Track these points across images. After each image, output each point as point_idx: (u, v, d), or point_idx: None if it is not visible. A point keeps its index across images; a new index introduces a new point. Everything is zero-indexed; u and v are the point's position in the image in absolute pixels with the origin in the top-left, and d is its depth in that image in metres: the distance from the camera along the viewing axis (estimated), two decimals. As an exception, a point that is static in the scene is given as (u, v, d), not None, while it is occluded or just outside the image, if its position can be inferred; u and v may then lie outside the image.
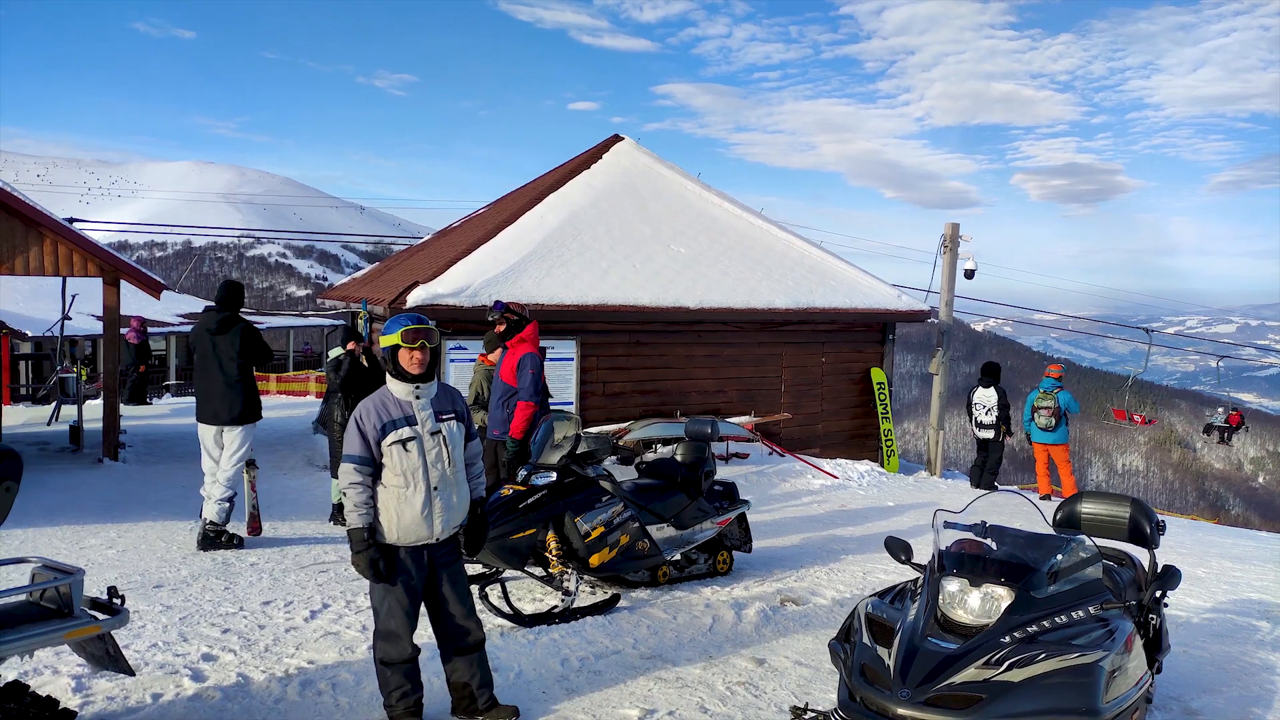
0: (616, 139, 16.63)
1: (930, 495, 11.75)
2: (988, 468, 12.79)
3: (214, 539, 7.11)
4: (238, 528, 7.44)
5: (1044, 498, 12.34)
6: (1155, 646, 4.34)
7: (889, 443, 14.54)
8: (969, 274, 14.82)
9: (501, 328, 7.23)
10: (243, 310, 7.52)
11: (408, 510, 3.92)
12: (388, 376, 4.06)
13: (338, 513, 8.24)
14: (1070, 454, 12.73)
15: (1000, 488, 12.91)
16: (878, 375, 14.60)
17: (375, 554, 3.89)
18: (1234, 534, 11.63)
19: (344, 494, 3.93)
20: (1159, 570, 4.45)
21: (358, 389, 8.02)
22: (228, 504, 7.17)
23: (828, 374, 14.28)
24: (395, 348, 3.97)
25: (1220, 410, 19.49)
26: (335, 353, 8.65)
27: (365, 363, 8.27)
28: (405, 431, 3.94)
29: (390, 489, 3.92)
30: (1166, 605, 4.76)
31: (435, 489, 3.97)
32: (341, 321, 18.15)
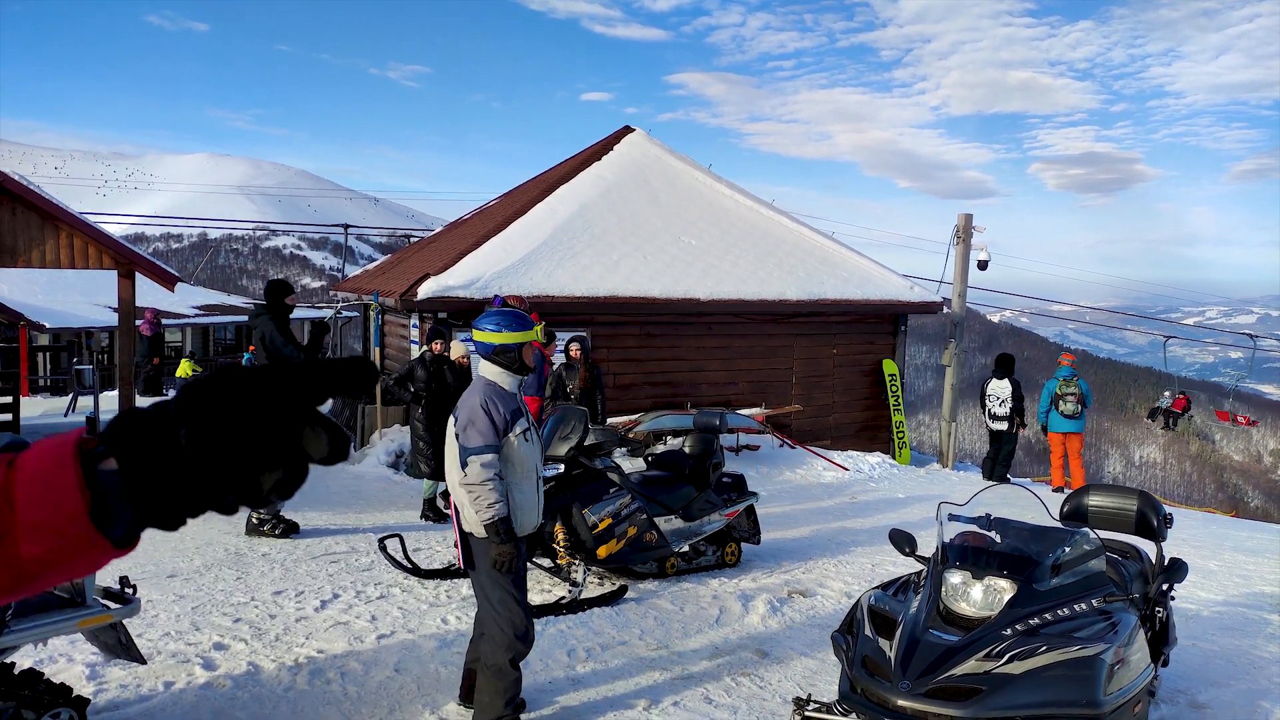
0: (627, 130, 16.61)
1: (942, 487, 11.72)
2: (1000, 459, 12.73)
3: (256, 525, 7.24)
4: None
5: (1057, 489, 12.27)
6: (1161, 640, 4.33)
7: (900, 435, 14.50)
8: (982, 265, 14.74)
9: None
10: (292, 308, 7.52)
11: (525, 501, 3.94)
12: (499, 370, 3.92)
13: (428, 509, 8.13)
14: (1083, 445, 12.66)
15: (1013, 480, 12.86)
16: (889, 367, 14.55)
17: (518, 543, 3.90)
18: (1250, 527, 11.55)
19: (479, 485, 3.76)
20: (1166, 563, 4.43)
21: (446, 395, 7.83)
22: None
23: (839, 366, 14.24)
24: (524, 344, 3.91)
25: (1167, 394, 18.27)
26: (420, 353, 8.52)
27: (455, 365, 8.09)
28: (524, 422, 3.95)
29: (510, 481, 3.89)
30: (1174, 598, 4.75)
31: (539, 479, 4.03)
32: (355, 313, 18.11)
